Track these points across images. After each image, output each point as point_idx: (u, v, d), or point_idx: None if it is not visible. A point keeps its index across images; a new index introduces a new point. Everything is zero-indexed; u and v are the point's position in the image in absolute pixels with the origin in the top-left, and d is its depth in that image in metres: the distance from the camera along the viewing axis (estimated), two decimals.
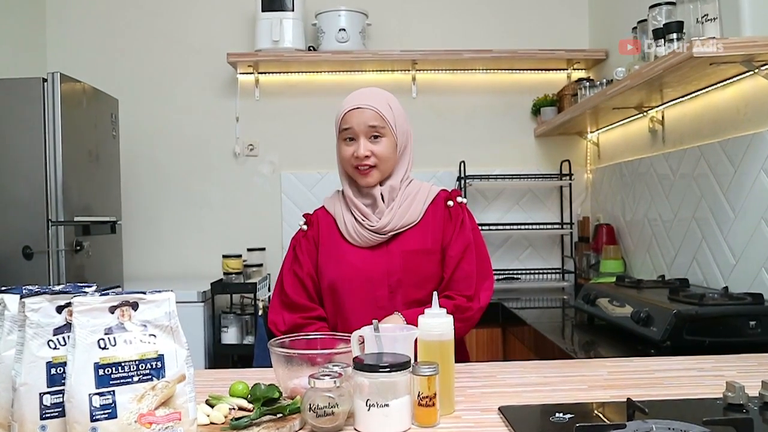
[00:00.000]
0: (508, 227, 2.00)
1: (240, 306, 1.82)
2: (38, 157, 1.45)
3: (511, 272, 2.01)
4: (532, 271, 2.03)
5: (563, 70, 2.06)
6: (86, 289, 0.59)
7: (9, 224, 1.44)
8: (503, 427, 0.63)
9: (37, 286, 0.59)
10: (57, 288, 0.58)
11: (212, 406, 0.66)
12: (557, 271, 2.04)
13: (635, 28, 1.38)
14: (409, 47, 1.96)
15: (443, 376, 0.64)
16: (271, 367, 0.72)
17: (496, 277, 1.96)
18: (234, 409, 0.66)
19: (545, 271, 2.03)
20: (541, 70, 2.06)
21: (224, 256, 1.82)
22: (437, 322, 0.69)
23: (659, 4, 1.24)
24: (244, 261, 1.85)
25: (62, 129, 1.46)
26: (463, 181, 1.96)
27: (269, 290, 1.86)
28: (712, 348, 0.96)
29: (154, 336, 0.56)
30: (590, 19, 2.06)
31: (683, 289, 1.20)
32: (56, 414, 0.54)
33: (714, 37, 1.07)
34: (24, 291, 0.56)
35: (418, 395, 0.62)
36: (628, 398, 0.63)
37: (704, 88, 1.32)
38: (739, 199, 1.21)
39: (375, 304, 0.90)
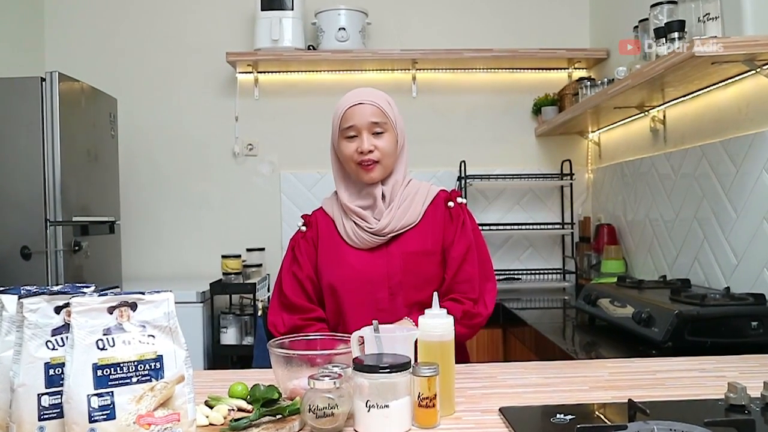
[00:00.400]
0: (508, 227, 2.00)
1: (239, 306, 1.82)
2: (36, 157, 1.44)
3: (511, 272, 2.01)
4: (533, 272, 2.02)
5: (564, 69, 2.06)
6: (85, 290, 0.59)
7: (7, 224, 1.44)
8: (504, 428, 0.63)
9: (35, 287, 0.58)
10: (55, 288, 0.58)
11: (211, 407, 0.66)
12: (558, 271, 2.03)
13: (636, 27, 1.37)
14: (409, 46, 1.96)
15: (443, 376, 0.64)
16: (271, 367, 0.72)
17: (497, 277, 1.95)
18: (233, 410, 0.66)
19: (546, 271, 2.03)
20: (542, 69, 2.05)
21: (223, 257, 1.81)
22: (437, 323, 0.69)
23: (660, 3, 1.24)
24: (243, 261, 1.85)
25: (60, 128, 1.46)
26: (463, 181, 1.96)
27: (269, 290, 1.86)
28: (714, 349, 0.96)
29: (153, 337, 0.56)
30: (591, 18, 2.06)
31: (685, 289, 1.20)
32: (55, 415, 0.54)
33: (715, 37, 1.06)
34: (22, 291, 0.56)
35: (419, 396, 0.62)
36: (629, 399, 0.63)
37: (706, 88, 1.31)
38: (741, 199, 1.21)
39: (376, 306, 0.90)
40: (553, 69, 2.05)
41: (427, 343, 0.68)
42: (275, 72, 2.03)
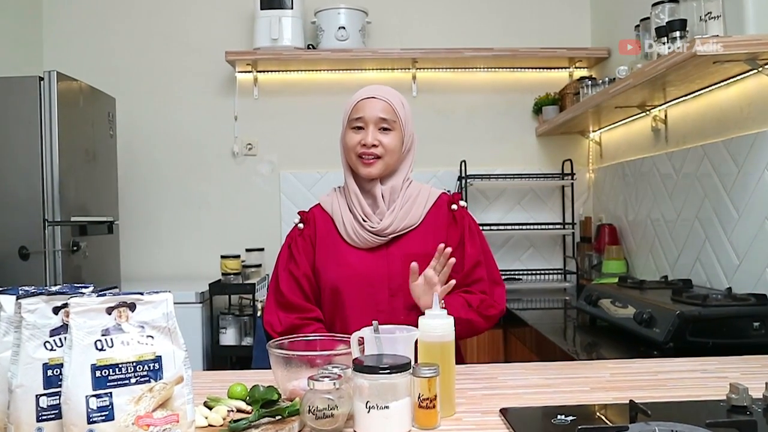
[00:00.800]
0: (509, 227, 1.99)
1: (238, 307, 1.82)
2: (35, 157, 1.44)
3: (512, 273, 2.00)
4: (534, 272, 2.02)
5: (565, 68, 2.05)
6: (83, 290, 0.59)
7: (5, 224, 1.44)
8: (504, 430, 0.63)
9: (33, 287, 0.58)
10: (54, 289, 0.58)
11: (210, 408, 0.66)
12: (559, 271, 2.03)
13: (638, 26, 1.37)
14: (410, 45, 1.95)
15: (444, 377, 0.64)
16: (270, 368, 0.72)
17: None
18: (232, 411, 0.66)
19: (547, 271, 2.03)
20: (543, 68, 2.05)
21: (222, 257, 1.81)
22: (438, 323, 0.68)
23: (662, 2, 1.23)
24: (242, 261, 1.84)
25: (59, 128, 1.45)
26: (463, 181, 1.95)
27: (267, 292, 1.85)
28: (716, 349, 0.95)
29: (152, 337, 0.56)
30: (592, 17, 2.05)
31: (686, 289, 1.20)
32: (53, 416, 0.54)
33: (717, 36, 1.06)
34: (20, 292, 0.56)
35: (419, 397, 0.62)
36: (630, 400, 0.63)
37: (707, 87, 1.31)
38: (743, 199, 1.21)
39: (375, 308, 0.89)
40: (554, 68, 2.05)
41: (428, 344, 0.68)
42: (275, 71, 2.02)
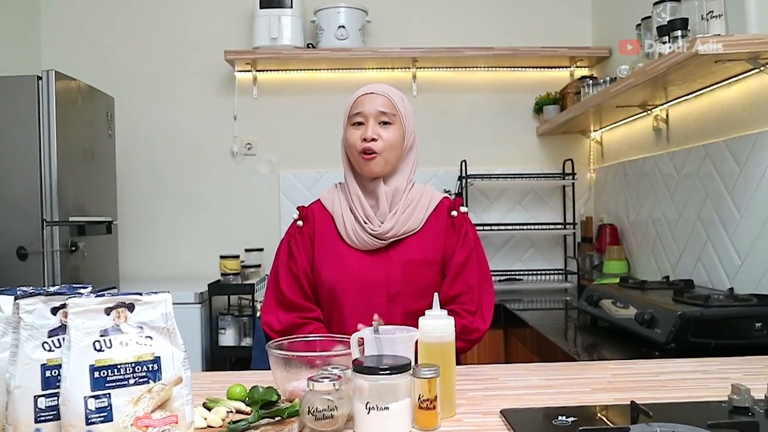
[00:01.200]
0: (510, 227, 1.99)
1: (238, 307, 1.81)
2: (33, 156, 1.44)
3: (513, 273, 2.00)
4: (535, 272, 2.01)
5: (566, 67, 2.05)
6: (81, 291, 0.59)
7: (3, 224, 1.43)
8: (505, 431, 0.63)
9: (31, 288, 0.58)
10: (52, 289, 0.58)
11: (209, 409, 0.66)
12: (560, 272, 2.02)
13: (639, 25, 1.36)
14: (410, 44, 1.95)
15: (444, 378, 0.64)
16: (270, 369, 0.72)
17: (498, 278, 1.95)
18: (231, 412, 0.66)
19: (548, 272, 2.02)
20: (544, 67, 2.04)
21: (222, 257, 1.80)
22: (438, 324, 0.68)
23: (663, 1, 1.23)
24: (241, 262, 1.83)
25: (57, 128, 1.45)
26: (464, 181, 1.95)
27: (265, 291, 1.85)
28: (718, 350, 0.95)
29: (151, 338, 0.56)
30: (593, 16, 2.05)
31: (688, 290, 1.20)
32: (51, 417, 0.54)
33: (719, 35, 1.05)
34: (18, 292, 0.56)
35: (419, 398, 0.61)
36: (631, 401, 0.62)
37: (709, 86, 1.31)
38: (745, 199, 1.20)
39: (372, 311, 0.87)
40: (555, 67, 2.04)
41: (428, 345, 0.68)
42: (274, 70, 2.02)
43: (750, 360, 0.88)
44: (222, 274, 1.80)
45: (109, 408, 0.52)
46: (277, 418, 0.63)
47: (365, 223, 0.92)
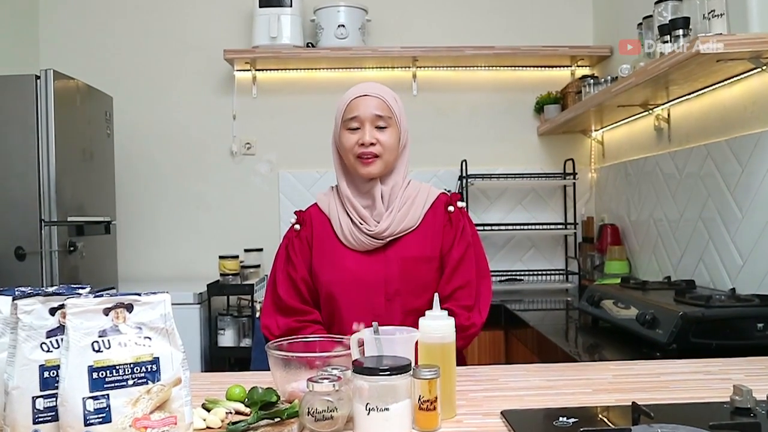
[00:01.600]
0: (510, 227, 1.98)
1: (237, 308, 1.81)
2: (31, 156, 1.43)
3: (513, 273, 1.99)
4: (535, 273, 2.01)
5: (567, 67, 2.04)
6: (80, 291, 0.59)
7: (1, 224, 1.43)
8: None
9: (29, 288, 0.58)
10: (50, 289, 0.58)
11: (208, 410, 0.65)
12: (561, 272, 2.02)
13: (640, 24, 1.36)
14: (410, 44, 1.94)
15: (444, 379, 0.63)
16: (269, 370, 0.71)
17: (498, 278, 1.95)
18: (231, 413, 0.66)
19: (548, 272, 2.02)
20: (545, 67, 2.04)
21: (221, 257, 1.80)
22: (438, 325, 0.68)
23: (665, 0, 1.22)
24: (241, 262, 1.83)
25: (55, 127, 1.44)
26: (464, 181, 1.94)
27: (264, 295, 1.84)
28: (719, 351, 0.95)
29: (150, 338, 0.55)
30: (595, 14, 2.04)
31: (689, 290, 1.20)
32: (49, 418, 0.54)
33: (720, 34, 1.05)
34: (16, 293, 0.56)
35: (419, 399, 0.61)
36: (633, 402, 0.62)
37: (711, 86, 1.30)
38: (747, 199, 1.20)
39: (372, 312, 0.88)
40: (556, 67, 2.04)
41: (428, 345, 0.68)
42: (273, 70, 2.01)
43: (752, 361, 0.88)
44: (221, 275, 1.79)
45: (107, 409, 0.52)
46: (276, 419, 0.63)
47: (360, 224, 0.92)
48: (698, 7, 1.13)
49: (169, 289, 0.60)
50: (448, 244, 0.93)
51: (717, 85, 1.29)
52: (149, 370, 0.54)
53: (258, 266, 1.90)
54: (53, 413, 0.53)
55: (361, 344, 0.68)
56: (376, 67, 2.01)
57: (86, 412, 0.51)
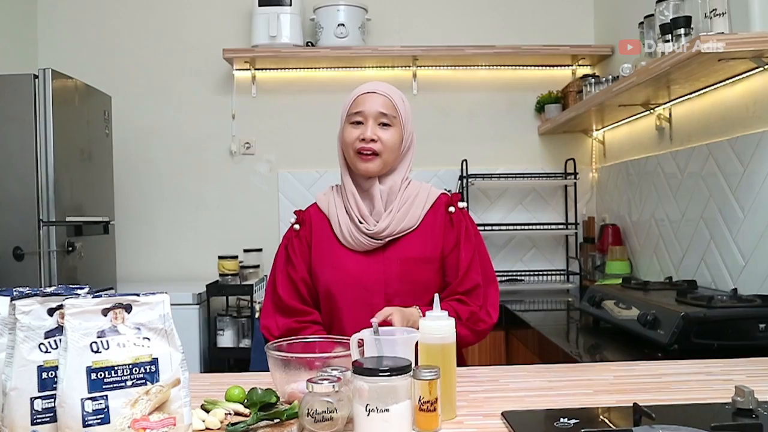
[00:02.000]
0: (511, 227, 1.98)
1: (236, 308, 1.80)
2: (29, 156, 1.43)
3: (514, 274, 1.99)
4: (536, 273, 2.00)
5: (568, 66, 2.04)
6: (78, 291, 0.58)
7: None
8: None
9: (28, 288, 0.58)
10: (48, 290, 0.58)
11: (208, 411, 0.65)
12: (562, 272, 2.02)
13: (642, 23, 1.35)
14: (410, 43, 1.94)
15: (445, 380, 0.63)
16: (268, 371, 0.71)
17: (499, 278, 1.93)
18: (230, 414, 0.66)
19: (549, 272, 2.01)
20: (545, 66, 2.03)
21: (220, 257, 1.80)
22: (439, 325, 0.68)
23: None
24: (240, 262, 1.82)
25: (54, 127, 1.44)
26: (465, 180, 1.94)
27: (264, 295, 1.84)
28: (721, 351, 0.94)
29: (148, 339, 0.55)
30: (596, 14, 2.04)
31: (691, 291, 1.20)
32: (47, 419, 0.54)
33: (722, 33, 1.04)
34: (15, 293, 0.56)
35: (419, 400, 0.61)
36: (634, 403, 0.62)
37: (712, 85, 1.30)
38: (749, 199, 1.20)
39: (371, 312, 0.86)
40: (557, 66, 2.03)
41: (428, 346, 0.67)
42: (273, 69, 2.01)
43: (754, 361, 0.87)
44: (220, 275, 1.79)
45: (106, 410, 0.52)
46: (275, 421, 0.63)
47: (360, 222, 0.91)
48: (700, 6, 1.12)
49: (168, 289, 0.60)
50: (449, 245, 0.93)
51: (719, 85, 1.28)
52: (148, 370, 0.54)
53: (257, 266, 1.90)
54: (51, 414, 0.53)
55: (360, 345, 0.68)
56: (376, 67, 2.01)
57: (85, 413, 0.51)
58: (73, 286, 0.61)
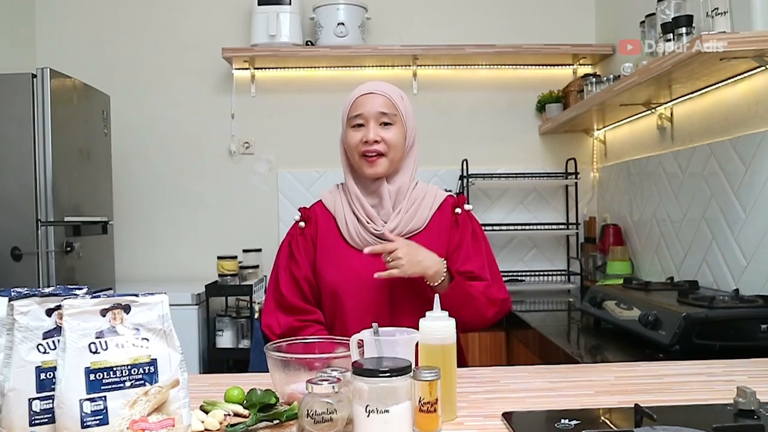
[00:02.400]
0: (512, 227, 1.98)
1: (235, 309, 1.80)
2: (27, 156, 1.42)
3: (515, 274, 1.99)
4: (537, 273, 2.00)
5: (569, 65, 2.03)
6: (77, 292, 0.58)
7: None
8: None
9: (26, 289, 0.58)
10: (47, 290, 0.58)
11: (207, 412, 0.65)
12: (563, 272, 2.01)
13: (643, 22, 1.35)
14: (410, 42, 1.94)
15: (445, 381, 0.63)
16: (268, 371, 0.71)
17: None
18: (229, 415, 0.66)
19: (550, 272, 2.01)
20: (546, 65, 2.03)
21: (219, 258, 1.79)
22: (439, 326, 0.67)
23: None
24: (239, 262, 1.82)
25: (52, 126, 1.44)
26: (465, 180, 1.94)
27: (266, 292, 1.84)
28: (723, 352, 0.94)
29: (147, 340, 0.55)
30: (597, 13, 2.04)
31: (693, 291, 1.19)
32: (46, 420, 0.54)
33: (723, 32, 1.04)
34: (13, 293, 0.56)
35: (419, 401, 0.60)
36: (635, 404, 0.62)
37: (714, 84, 1.30)
38: (751, 199, 1.19)
39: (376, 312, 0.87)
40: (558, 65, 2.03)
41: (429, 347, 0.67)
42: (272, 68, 2.00)
43: (756, 362, 0.87)
44: (219, 275, 1.79)
45: (104, 411, 0.52)
46: (275, 422, 0.63)
47: (368, 223, 0.91)
48: (701, 5, 1.12)
49: (167, 289, 0.60)
50: (454, 245, 0.93)
51: (720, 84, 1.28)
52: (147, 371, 0.54)
53: (257, 267, 1.89)
54: (50, 415, 0.53)
55: (360, 345, 0.67)
56: (376, 66, 2.00)
57: (83, 414, 0.51)
58: (72, 287, 0.61)
